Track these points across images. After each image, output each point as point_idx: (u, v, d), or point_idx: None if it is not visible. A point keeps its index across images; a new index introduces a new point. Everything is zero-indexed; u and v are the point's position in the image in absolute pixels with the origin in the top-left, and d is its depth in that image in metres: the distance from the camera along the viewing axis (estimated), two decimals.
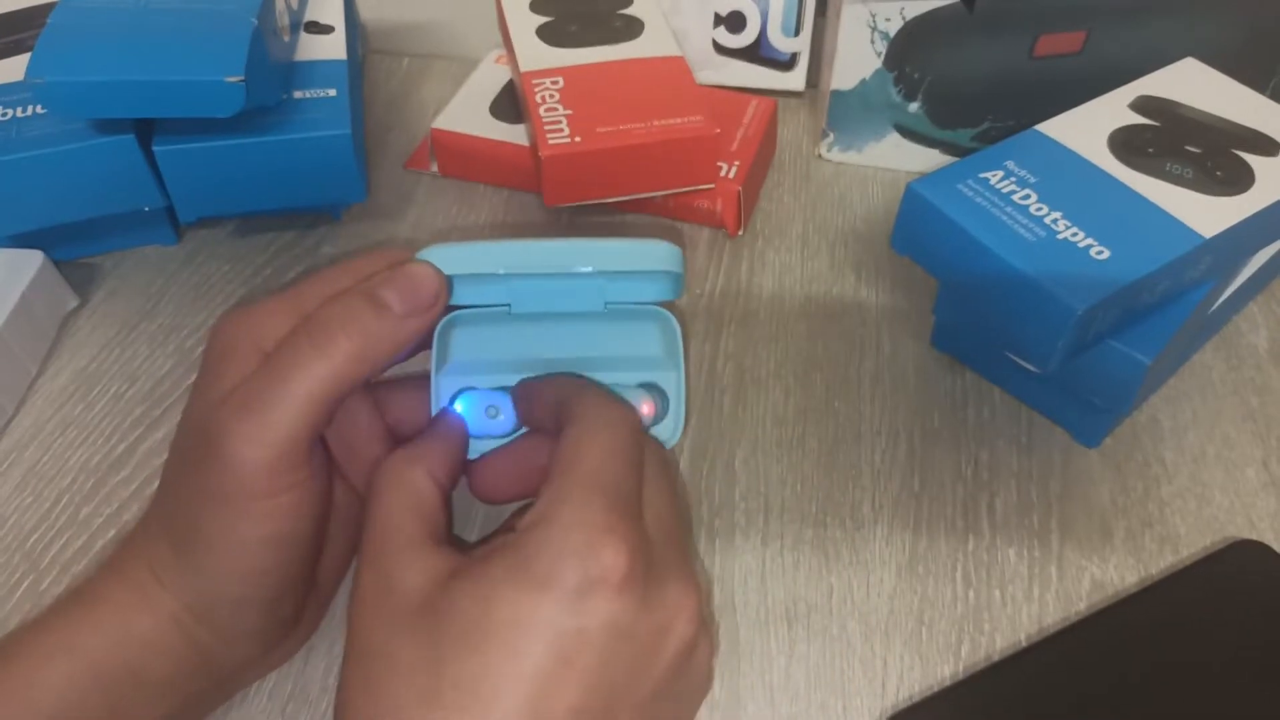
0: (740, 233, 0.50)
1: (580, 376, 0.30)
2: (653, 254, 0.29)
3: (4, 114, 0.43)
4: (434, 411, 0.31)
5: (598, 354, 0.31)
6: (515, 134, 0.51)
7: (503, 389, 0.31)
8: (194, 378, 0.29)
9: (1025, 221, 0.36)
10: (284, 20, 0.47)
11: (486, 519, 0.38)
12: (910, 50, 0.49)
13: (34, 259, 0.43)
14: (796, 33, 0.56)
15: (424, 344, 0.30)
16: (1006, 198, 0.37)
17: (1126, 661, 0.33)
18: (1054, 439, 0.41)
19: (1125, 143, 0.39)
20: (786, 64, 0.57)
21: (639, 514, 0.26)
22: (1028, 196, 0.37)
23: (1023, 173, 0.38)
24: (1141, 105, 0.41)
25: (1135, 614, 0.34)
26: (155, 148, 0.42)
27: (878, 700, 0.33)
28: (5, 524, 0.38)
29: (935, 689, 0.33)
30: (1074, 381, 0.38)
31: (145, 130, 0.43)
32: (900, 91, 0.51)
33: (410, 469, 0.28)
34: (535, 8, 0.53)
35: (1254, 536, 0.37)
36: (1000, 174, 0.38)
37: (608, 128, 0.45)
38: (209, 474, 0.26)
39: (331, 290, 0.28)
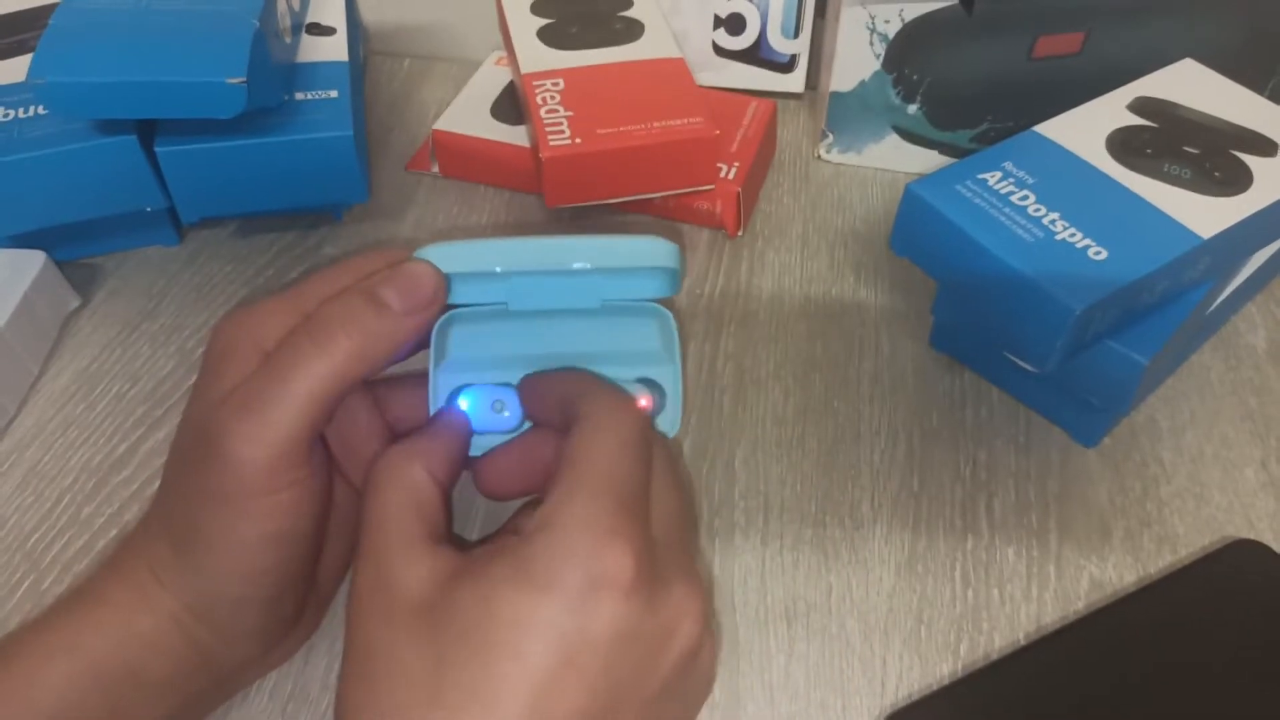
0: (740, 233, 0.50)
1: (588, 371, 0.30)
2: (650, 251, 0.29)
3: (6, 114, 0.43)
4: (432, 409, 0.31)
5: (595, 350, 0.31)
6: (516, 135, 0.51)
7: (507, 384, 0.31)
8: (195, 378, 0.29)
9: (1024, 222, 0.36)
10: (285, 22, 0.47)
11: (487, 517, 0.38)
12: (909, 52, 0.49)
13: (36, 259, 0.44)
14: (796, 35, 0.56)
15: (423, 342, 0.30)
16: (1005, 199, 0.37)
17: (1125, 661, 0.33)
18: (1052, 439, 0.41)
19: (1124, 143, 0.39)
20: (786, 66, 0.57)
21: (646, 516, 0.26)
22: (1026, 197, 0.37)
23: (1021, 174, 0.38)
24: (1140, 106, 0.41)
25: (1134, 614, 0.35)
26: (157, 148, 0.43)
27: (877, 699, 0.33)
28: (6, 524, 0.38)
29: (934, 688, 0.33)
30: (1072, 382, 0.38)
31: (147, 131, 0.43)
32: (899, 93, 0.51)
33: (408, 465, 0.28)
34: (536, 10, 0.53)
35: (1253, 536, 0.37)
36: (999, 175, 0.38)
37: (608, 129, 0.45)
38: (209, 473, 0.26)
39: (331, 290, 0.28)
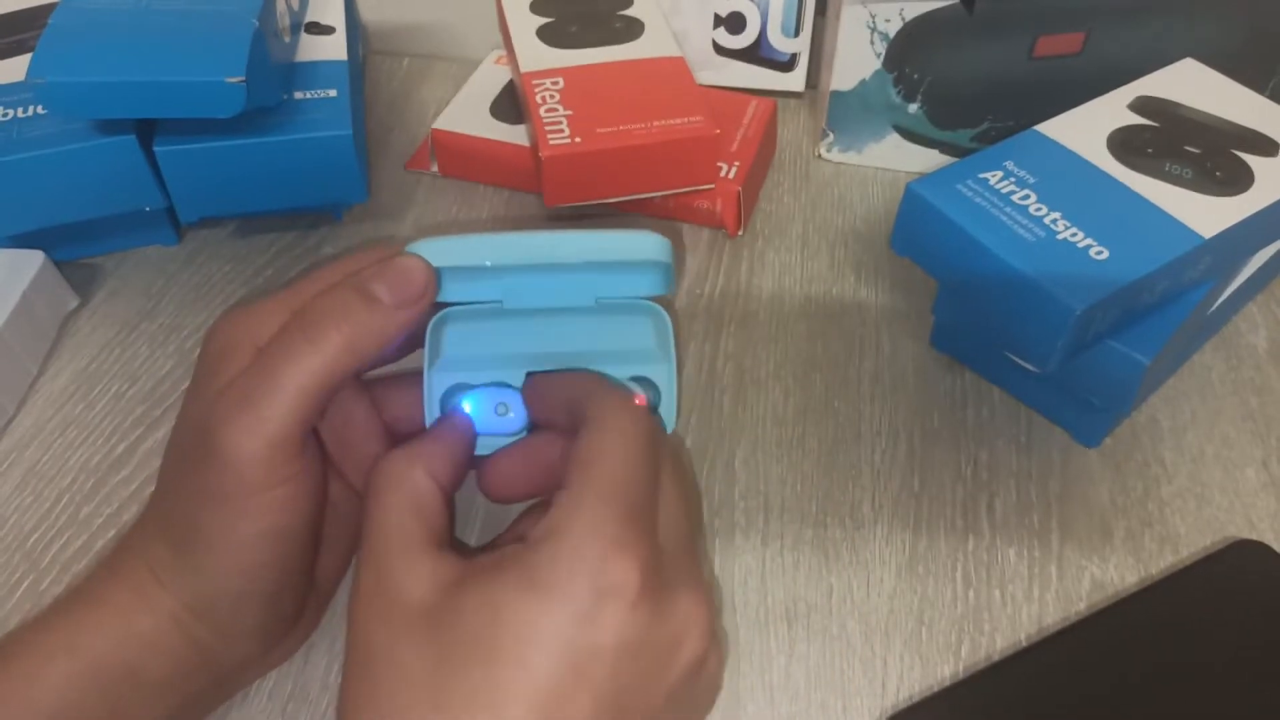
0: (740, 233, 0.50)
1: (594, 373, 0.30)
2: (640, 245, 0.29)
3: (5, 114, 0.43)
4: (427, 408, 0.31)
5: (589, 348, 0.31)
6: (516, 134, 0.51)
7: (510, 386, 0.31)
8: (191, 378, 0.29)
9: (1024, 222, 0.36)
10: (285, 21, 0.47)
11: (487, 519, 0.38)
12: (910, 51, 0.49)
13: (35, 259, 0.43)
14: (796, 33, 0.56)
15: (418, 341, 0.30)
16: (1006, 198, 0.37)
17: (1126, 661, 0.33)
18: (1053, 439, 0.41)
19: (1124, 143, 0.39)
20: (786, 65, 0.57)
21: (654, 524, 0.26)
22: (1027, 197, 0.37)
23: (1022, 173, 0.38)
24: (1141, 106, 0.41)
25: (1135, 614, 0.34)
26: (156, 148, 0.42)
27: (878, 700, 0.33)
28: (5, 524, 0.38)
29: (935, 689, 0.33)
30: (1073, 381, 0.38)
31: (146, 131, 0.43)
32: (900, 92, 0.51)
33: (410, 469, 0.27)
34: (536, 9, 0.53)
35: (1254, 536, 0.37)
36: (999, 174, 0.38)
37: (608, 128, 0.45)
38: (205, 470, 0.26)
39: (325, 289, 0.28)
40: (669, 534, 0.26)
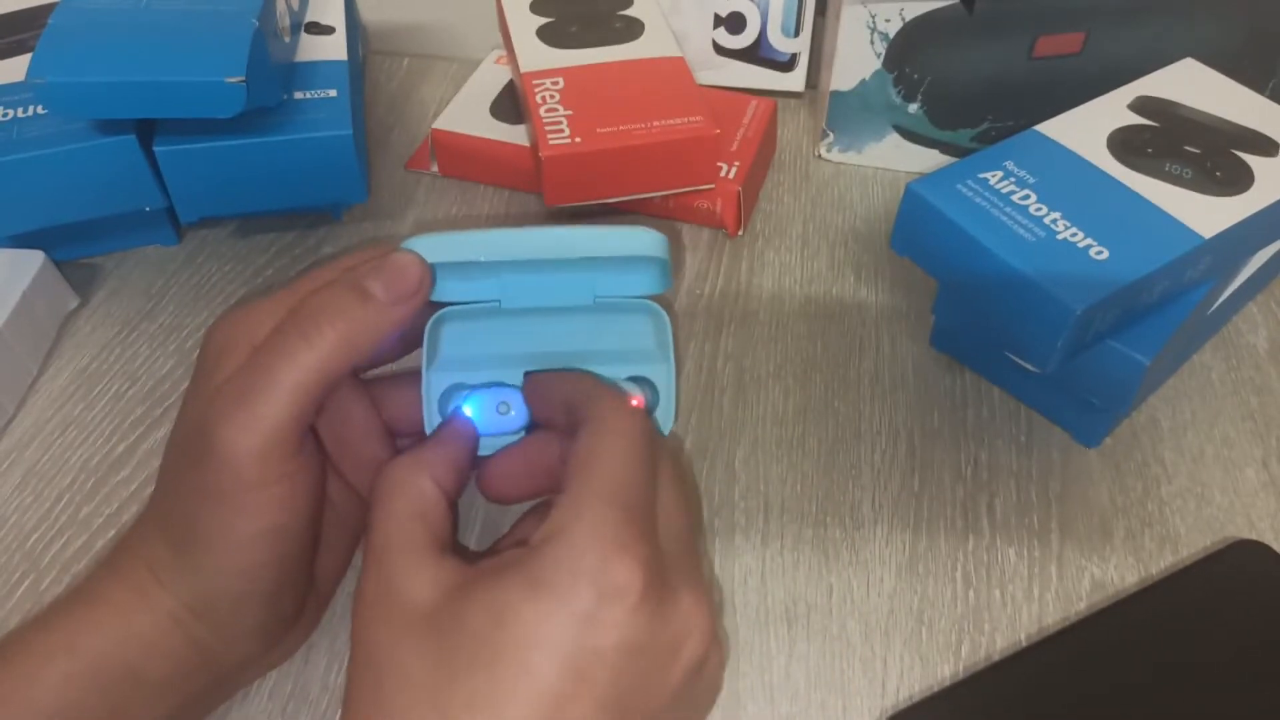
0: (740, 233, 0.50)
1: (591, 374, 0.30)
2: (636, 240, 0.29)
3: (5, 114, 0.43)
4: (425, 407, 0.31)
5: (588, 348, 0.31)
6: (516, 134, 0.51)
7: (510, 385, 0.31)
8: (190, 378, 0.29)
9: (1024, 222, 0.36)
10: (285, 21, 0.47)
11: (486, 521, 0.38)
12: (910, 51, 0.49)
13: (35, 259, 0.43)
14: (796, 33, 0.56)
15: (416, 341, 0.30)
16: (1006, 198, 0.37)
17: (1127, 662, 0.33)
18: (1053, 439, 0.41)
19: (1124, 143, 0.39)
20: (786, 65, 0.57)
21: (654, 525, 0.26)
22: (1027, 197, 0.37)
23: (1022, 173, 0.38)
24: (1141, 106, 0.41)
25: (1135, 614, 0.34)
26: (156, 148, 0.42)
27: (878, 700, 0.33)
28: (5, 524, 0.38)
29: (935, 689, 0.33)
30: (1073, 381, 0.38)
31: (146, 131, 0.43)
32: (900, 92, 0.51)
33: (415, 475, 0.28)
34: (536, 9, 0.53)
35: (1254, 536, 0.37)
36: (999, 174, 0.38)
37: (608, 128, 0.45)
38: (204, 469, 0.26)
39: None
40: (669, 535, 0.26)
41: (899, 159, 0.53)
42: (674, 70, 0.49)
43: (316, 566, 0.31)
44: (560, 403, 0.29)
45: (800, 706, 0.33)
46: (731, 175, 0.48)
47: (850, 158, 0.54)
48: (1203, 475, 0.39)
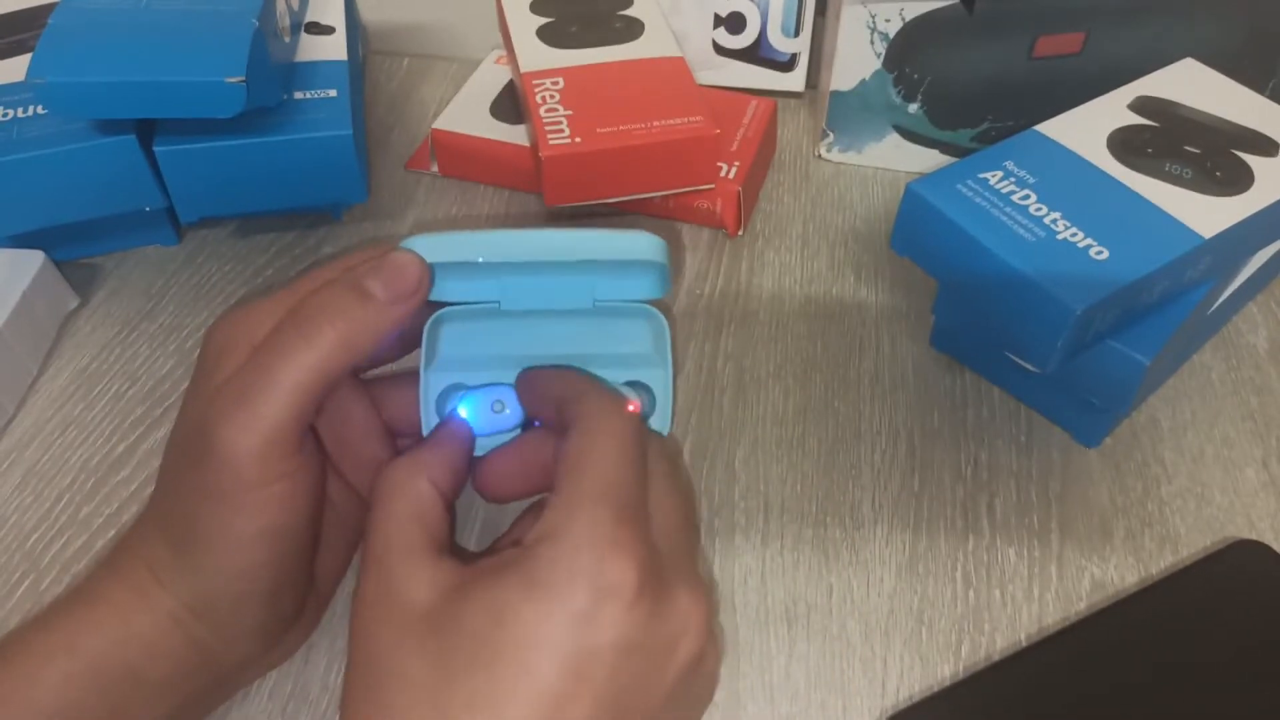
0: (740, 233, 0.50)
1: (583, 372, 0.30)
2: (635, 244, 0.29)
3: (5, 114, 0.43)
4: (423, 408, 0.31)
5: (586, 351, 0.31)
6: (516, 134, 0.51)
7: (506, 384, 0.31)
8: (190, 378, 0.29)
9: (1024, 222, 0.36)
10: (285, 21, 0.47)
11: (486, 521, 0.38)
12: (910, 51, 0.49)
13: (35, 259, 0.43)
14: (796, 33, 0.56)
15: (416, 341, 0.30)
16: (1006, 198, 0.37)
17: (1127, 662, 0.33)
18: (1053, 439, 0.41)
19: (1124, 143, 0.39)
20: (786, 65, 0.57)
21: (646, 522, 0.26)
22: (1027, 197, 0.37)
23: (1022, 173, 0.38)
24: (1140, 106, 0.41)
25: (1135, 614, 0.34)
26: (156, 148, 0.42)
27: (878, 700, 0.33)
28: (5, 524, 0.38)
29: (935, 689, 0.33)
30: (1073, 381, 0.38)
31: (146, 131, 0.43)
32: (900, 92, 0.51)
33: (414, 478, 0.28)
34: (536, 9, 0.53)
35: (1254, 536, 0.37)
36: (999, 174, 0.38)
37: (608, 128, 0.45)
38: (204, 469, 0.26)
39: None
40: (664, 533, 0.26)
41: (899, 159, 0.53)
42: (674, 70, 0.49)
43: (316, 566, 0.31)
44: (553, 400, 0.29)
45: (800, 706, 0.33)
46: (731, 175, 0.48)
47: (850, 158, 0.54)
48: (1203, 475, 0.39)
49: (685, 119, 0.46)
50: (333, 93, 0.46)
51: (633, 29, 0.51)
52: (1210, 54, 0.44)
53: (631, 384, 0.31)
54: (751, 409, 0.42)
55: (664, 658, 0.25)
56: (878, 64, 0.50)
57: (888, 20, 0.49)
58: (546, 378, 0.30)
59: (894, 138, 0.53)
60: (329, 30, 0.51)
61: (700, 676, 0.27)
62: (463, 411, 0.31)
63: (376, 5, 0.61)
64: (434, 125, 0.52)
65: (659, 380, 0.31)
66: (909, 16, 0.48)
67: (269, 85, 0.43)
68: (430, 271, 0.29)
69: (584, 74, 0.48)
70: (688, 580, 0.26)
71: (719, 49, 0.57)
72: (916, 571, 0.36)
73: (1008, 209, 0.36)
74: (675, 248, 0.49)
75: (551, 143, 0.44)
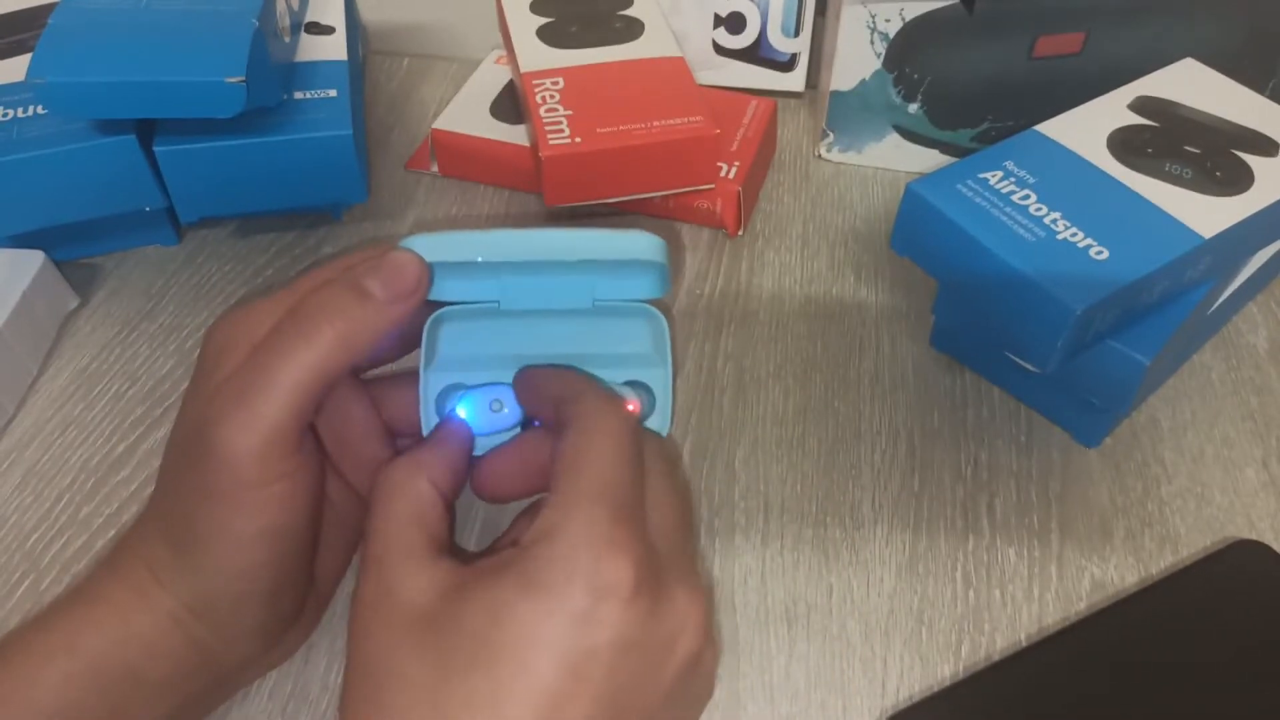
0: (740, 233, 0.50)
1: (579, 371, 0.30)
2: (634, 244, 0.29)
3: (5, 114, 0.43)
4: (423, 407, 0.31)
5: (586, 351, 0.31)
6: (516, 134, 0.51)
7: (505, 383, 0.31)
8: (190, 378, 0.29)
9: (1024, 222, 0.36)
10: (285, 21, 0.47)
11: (486, 521, 0.38)
12: (910, 51, 0.49)
13: (35, 259, 0.43)
14: (796, 33, 0.56)
15: (417, 340, 0.30)
16: (1006, 198, 0.37)
17: (1126, 661, 0.33)
18: (1053, 439, 0.41)
19: (1124, 143, 0.39)
20: (786, 65, 0.57)
21: (643, 521, 0.26)
22: (1027, 197, 0.37)
23: (1022, 173, 0.38)
24: (1140, 106, 0.41)
25: (1135, 614, 0.34)
26: (156, 148, 0.42)
27: (878, 700, 0.33)
28: (5, 524, 0.38)
29: (935, 689, 0.33)
30: (1073, 381, 0.38)
31: (146, 130, 0.43)
32: (900, 92, 0.51)
33: (413, 478, 0.28)
34: (536, 9, 0.53)
35: (1254, 536, 0.37)
36: (999, 174, 0.38)
37: (608, 128, 0.45)
38: (203, 469, 0.26)
39: None
40: (661, 532, 0.26)
41: (899, 159, 0.53)
42: (674, 70, 0.49)
43: (316, 566, 0.31)
44: (550, 399, 0.29)
45: (800, 706, 0.33)
46: (731, 175, 0.48)
47: (850, 158, 0.54)
48: (1203, 475, 0.39)
49: (685, 119, 0.46)
50: (333, 93, 0.46)
51: (633, 29, 0.51)
52: (1210, 54, 0.44)
53: (631, 384, 0.31)
54: (751, 409, 0.42)
55: (662, 656, 0.25)
56: (878, 64, 0.50)
57: (888, 20, 0.49)
58: (543, 377, 0.30)
59: (894, 138, 0.53)
60: (329, 30, 0.51)
61: (698, 675, 0.27)
62: (461, 411, 0.31)
63: (376, 5, 0.61)
64: (434, 125, 0.52)
65: (659, 380, 0.31)
66: (909, 16, 0.48)
67: (269, 85, 0.43)
68: (429, 271, 0.29)
69: (584, 74, 0.48)
70: (685, 579, 0.26)
71: (719, 49, 0.57)
72: (916, 571, 0.36)
73: (1008, 209, 0.36)
74: (675, 248, 0.49)
75: (551, 143, 0.44)
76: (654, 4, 0.53)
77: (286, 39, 0.47)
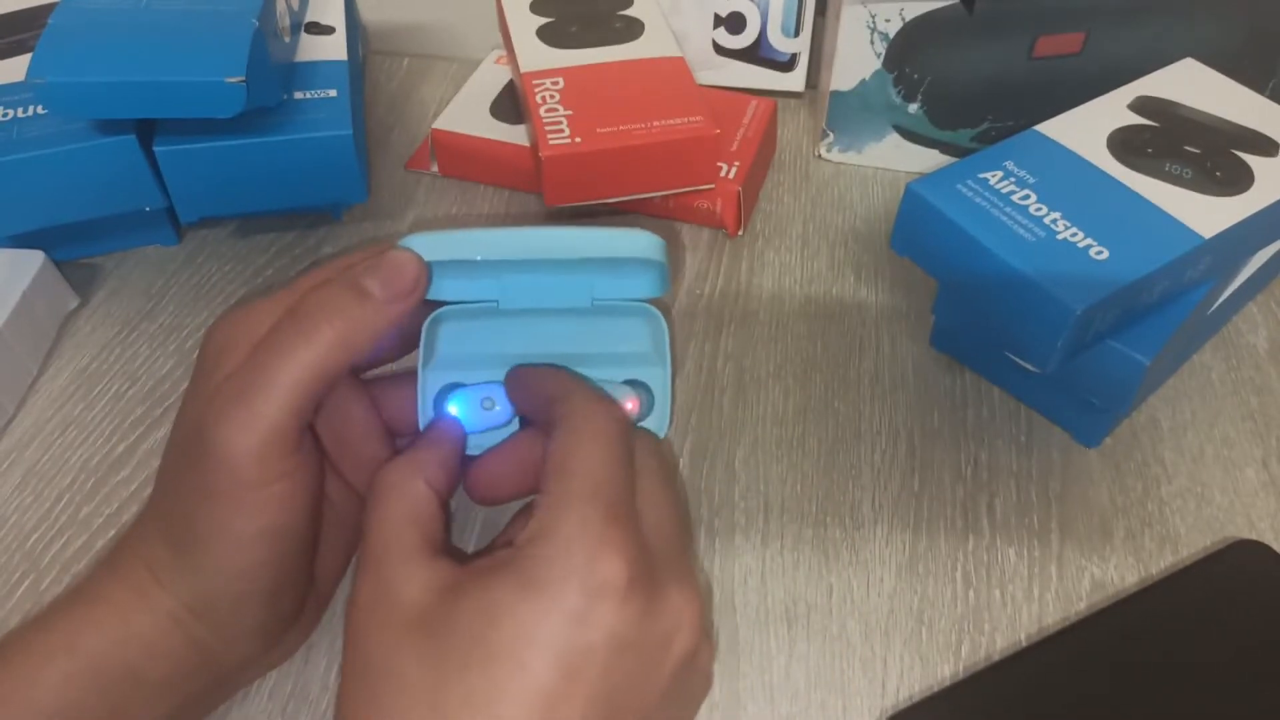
0: (740, 233, 0.50)
1: (569, 371, 0.30)
2: (633, 242, 0.29)
3: (5, 114, 0.43)
4: (420, 406, 0.31)
5: (585, 350, 0.31)
6: (516, 134, 0.51)
7: (496, 382, 0.31)
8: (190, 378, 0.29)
9: (1024, 222, 0.36)
10: (285, 21, 0.47)
11: (485, 522, 0.38)
12: (910, 51, 0.49)
13: (35, 259, 0.43)
14: (796, 33, 0.56)
15: (417, 340, 0.30)
16: (1006, 198, 0.37)
17: (1126, 661, 0.33)
18: (1053, 439, 0.41)
19: (1124, 143, 0.39)
20: (786, 65, 0.57)
21: (635, 519, 0.26)
22: (1027, 197, 0.37)
23: (1022, 173, 0.38)
24: (1140, 106, 0.41)
25: (1135, 614, 0.34)
26: (156, 148, 0.42)
27: (878, 700, 0.33)
28: (5, 524, 0.38)
29: (935, 689, 0.33)
30: (1073, 381, 0.38)
31: (146, 130, 0.43)
32: (900, 92, 0.51)
33: (409, 479, 0.28)
34: (536, 9, 0.53)
35: (1254, 536, 0.37)
36: (999, 174, 0.38)
37: (608, 128, 0.45)
38: (203, 469, 0.26)
39: None
40: (657, 531, 0.26)
41: (899, 159, 0.53)
42: (674, 70, 0.49)
43: (316, 566, 0.31)
44: (539, 399, 0.29)
45: (800, 706, 0.33)
46: (731, 175, 0.48)
47: (850, 158, 0.54)
48: (1203, 475, 0.39)
49: (685, 119, 0.46)
50: (333, 93, 0.46)
51: (633, 29, 0.51)
52: (1210, 54, 0.44)
53: (630, 383, 0.31)
54: (751, 409, 0.42)
55: (657, 655, 0.25)
56: (878, 64, 0.50)
57: (888, 20, 0.49)
58: (533, 376, 0.30)
59: (894, 138, 0.53)
60: (329, 30, 0.51)
61: (694, 673, 0.27)
62: (453, 409, 0.31)
63: (376, 5, 0.61)
64: (434, 125, 0.52)
65: (657, 379, 0.31)
66: (909, 16, 0.48)
67: (269, 85, 0.43)
68: (428, 270, 0.29)
69: (584, 74, 0.48)
70: (680, 577, 0.26)
71: (719, 49, 0.57)
72: (916, 571, 0.36)
73: (1008, 209, 0.36)
74: (675, 248, 0.49)
75: (551, 143, 0.44)
76: (654, 4, 0.53)
77: (286, 39, 0.47)
